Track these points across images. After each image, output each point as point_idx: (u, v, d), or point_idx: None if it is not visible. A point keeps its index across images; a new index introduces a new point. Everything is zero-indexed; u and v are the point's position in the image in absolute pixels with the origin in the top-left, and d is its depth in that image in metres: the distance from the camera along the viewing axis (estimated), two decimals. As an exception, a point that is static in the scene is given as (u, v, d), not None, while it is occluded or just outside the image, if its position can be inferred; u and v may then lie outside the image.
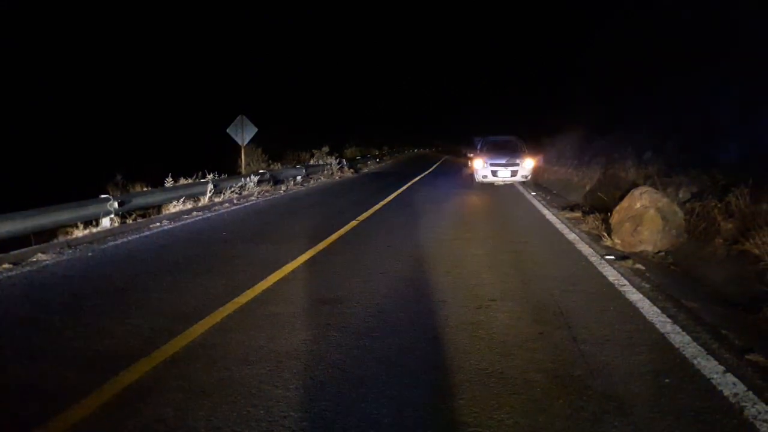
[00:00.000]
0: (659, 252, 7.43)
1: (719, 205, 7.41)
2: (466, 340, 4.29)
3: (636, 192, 8.13)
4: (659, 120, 13.88)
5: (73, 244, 8.40)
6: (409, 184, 19.88)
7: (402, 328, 4.60)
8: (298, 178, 20.24)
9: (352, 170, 26.66)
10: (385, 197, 14.86)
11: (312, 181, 21.06)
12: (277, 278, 6.24)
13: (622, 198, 8.49)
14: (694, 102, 12.62)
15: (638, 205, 7.84)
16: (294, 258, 7.20)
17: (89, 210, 9.71)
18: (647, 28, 17.58)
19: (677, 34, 14.96)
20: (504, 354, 4.01)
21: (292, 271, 6.58)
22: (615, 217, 8.17)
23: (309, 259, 7.27)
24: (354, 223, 10.27)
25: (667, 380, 3.57)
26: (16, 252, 7.66)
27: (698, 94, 12.52)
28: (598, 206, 10.40)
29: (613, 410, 3.19)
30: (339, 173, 24.76)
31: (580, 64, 24.92)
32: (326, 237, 8.69)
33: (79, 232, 9.25)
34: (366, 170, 29.88)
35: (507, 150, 18.00)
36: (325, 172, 23.91)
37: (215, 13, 40.73)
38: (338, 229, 9.42)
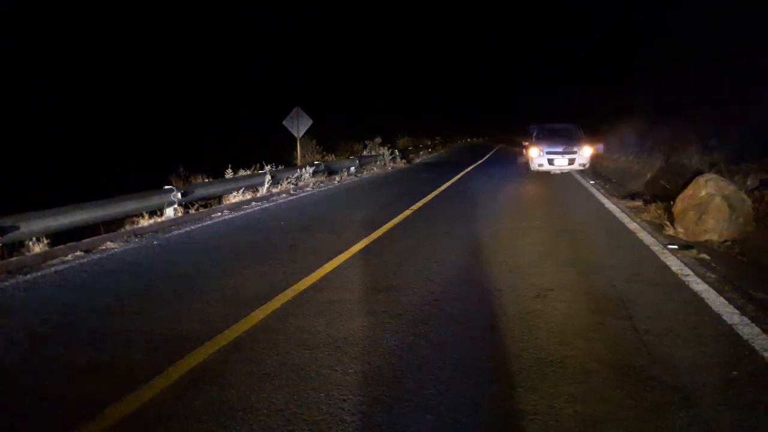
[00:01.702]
0: (725, 241, 7.13)
1: (792, 193, 7.05)
2: (524, 329, 4.25)
3: (701, 179, 7.81)
4: (726, 106, 13.27)
5: (139, 233, 8.76)
6: (462, 173, 19.74)
7: (458, 316, 4.61)
8: (352, 169, 20.39)
9: (404, 160, 26.63)
10: (438, 187, 14.81)
11: (365, 172, 21.17)
12: (333, 266, 6.34)
13: (685, 186, 8.17)
14: (763, 87, 11.99)
15: (703, 192, 7.54)
16: (349, 247, 7.29)
17: (154, 200, 10.10)
18: (712, 11, 16.80)
19: (744, 17, 14.24)
20: (563, 343, 3.96)
21: (348, 260, 6.67)
22: (678, 206, 7.88)
23: (364, 247, 7.34)
24: (408, 212, 10.30)
25: (735, 373, 3.44)
26: (87, 240, 8.04)
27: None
28: (660, 195, 10.04)
29: (678, 401, 3.10)
30: (392, 164, 24.78)
31: (641, 49, 24.05)
32: (380, 226, 8.75)
33: (145, 222, 9.62)
34: (418, 160, 29.81)
35: (564, 137, 17.56)
36: (378, 162, 23.97)
37: (275, 6, 41.37)
38: (392, 219, 9.46)
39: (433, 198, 12.57)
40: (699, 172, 8.94)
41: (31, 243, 7.52)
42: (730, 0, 15.06)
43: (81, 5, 26.11)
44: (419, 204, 11.41)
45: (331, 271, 6.13)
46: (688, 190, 7.88)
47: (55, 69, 24.01)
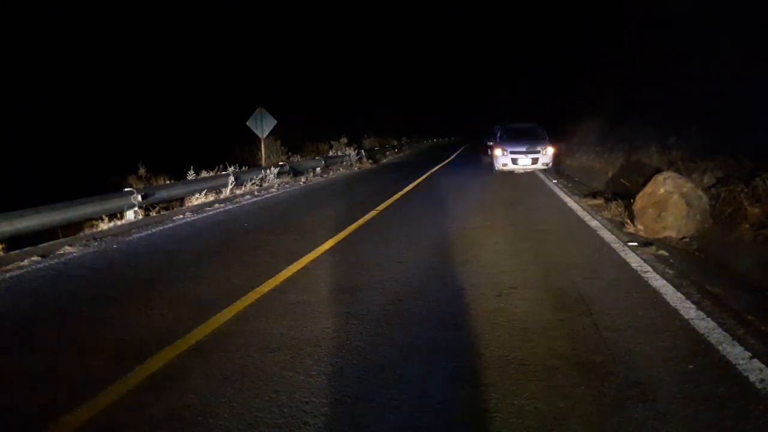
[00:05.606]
0: (683, 238, 7.32)
1: (746, 190, 7.26)
2: (486, 328, 4.28)
3: (660, 177, 8.00)
4: (683, 105, 13.62)
5: (98, 237, 8.55)
6: (428, 173, 19.83)
7: (421, 316, 4.61)
8: (318, 169, 20.31)
9: (371, 161, 26.65)
10: (404, 187, 14.85)
11: (331, 173, 21.11)
12: (298, 268, 6.28)
13: (645, 184, 8.36)
14: (719, 86, 12.36)
15: (662, 190, 7.71)
16: (314, 248, 7.24)
17: (113, 203, 9.87)
18: (668, 10, 17.24)
19: (699, 16, 14.65)
20: (524, 341, 4.00)
21: (312, 261, 6.62)
22: (638, 203, 8.05)
23: (329, 248, 7.30)
24: (373, 213, 10.29)
25: (691, 366, 3.52)
26: (44, 244, 7.83)
27: (723, 77, 12.25)
28: (621, 193, 10.26)
29: (636, 396, 3.16)
30: (358, 164, 24.77)
31: (601, 49, 24.57)
32: (345, 227, 8.72)
33: (104, 225, 9.40)
34: (385, 161, 29.86)
35: (527, 137, 17.85)
36: (344, 163, 23.94)
37: (232, 6, 40.82)
38: (357, 220, 9.44)
39: (398, 198, 12.59)
40: (658, 170, 9.16)
41: (-17, 248, 7.28)
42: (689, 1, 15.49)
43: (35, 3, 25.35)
44: (385, 204, 11.42)
45: (295, 273, 6.08)
46: (648, 188, 8.06)
47: (11, 65, 23.26)
